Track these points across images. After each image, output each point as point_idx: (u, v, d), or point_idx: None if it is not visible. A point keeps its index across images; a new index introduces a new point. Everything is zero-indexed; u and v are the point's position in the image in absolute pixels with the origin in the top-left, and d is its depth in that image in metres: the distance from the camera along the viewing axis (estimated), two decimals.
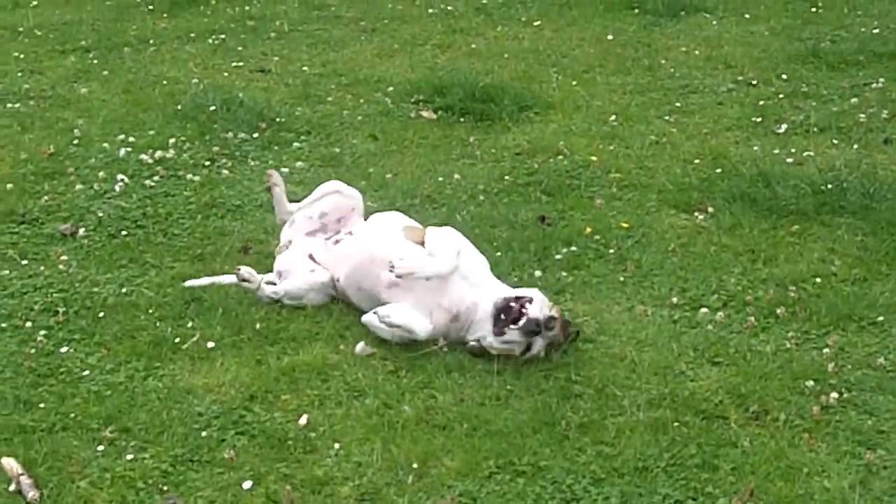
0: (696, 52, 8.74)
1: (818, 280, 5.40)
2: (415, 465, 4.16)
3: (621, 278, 5.49)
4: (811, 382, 4.62)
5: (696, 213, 6.09)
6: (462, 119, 7.44)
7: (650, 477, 4.10)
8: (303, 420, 4.41)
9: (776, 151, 6.84)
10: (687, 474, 4.12)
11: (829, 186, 6.19)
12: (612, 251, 5.72)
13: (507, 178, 6.56)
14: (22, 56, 8.70)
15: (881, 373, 4.71)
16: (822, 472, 4.13)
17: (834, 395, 4.53)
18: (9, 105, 7.65)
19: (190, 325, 5.03)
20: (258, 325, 5.03)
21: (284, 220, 5.54)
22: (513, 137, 7.16)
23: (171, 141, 6.94)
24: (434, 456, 4.22)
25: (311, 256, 5.32)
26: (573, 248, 5.73)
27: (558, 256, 5.65)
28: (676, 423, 4.38)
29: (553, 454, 4.23)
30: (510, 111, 7.50)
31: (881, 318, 5.08)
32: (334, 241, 5.35)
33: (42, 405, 4.50)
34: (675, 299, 5.28)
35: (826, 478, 4.10)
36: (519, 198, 6.32)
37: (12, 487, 4.02)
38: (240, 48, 8.99)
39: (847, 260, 5.58)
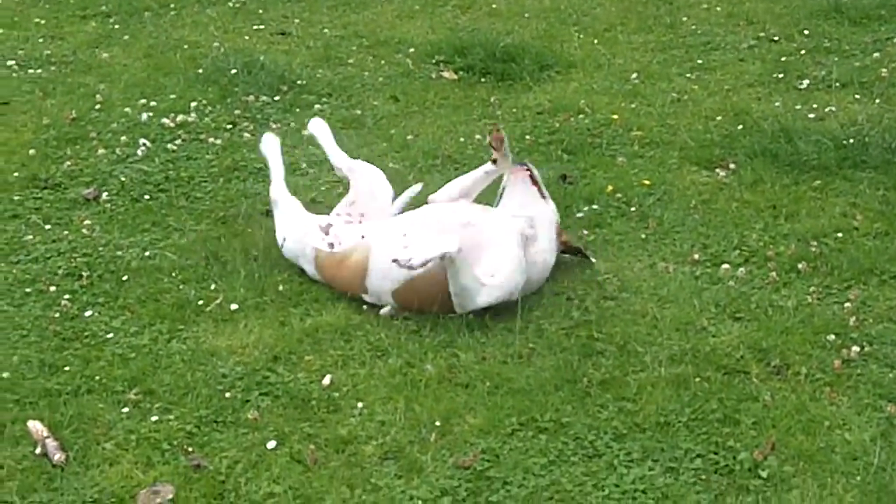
0: (718, 8, 8.69)
1: (840, 235, 5.39)
2: (437, 423, 4.19)
3: (643, 235, 5.49)
4: (832, 336, 4.62)
5: (717, 170, 6.08)
6: (483, 79, 7.42)
7: (672, 432, 4.12)
8: (326, 380, 4.44)
9: (798, 107, 6.81)
10: (708, 429, 4.13)
11: (851, 141, 6.16)
12: (633, 209, 5.72)
13: (528, 137, 6.55)
14: (43, 22, 8.70)
15: None
16: (844, 426, 4.14)
17: (855, 348, 4.53)
18: (30, 71, 7.67)
19: (213, 287, 5.06)
20: (281, 287, 5.06)
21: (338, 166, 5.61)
22: (534, 97, 7.15)
23: (193, 105, 6.96)
24: (457, 414, 4.25)
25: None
26: (595, 207, 5.73)
27: (580, 215, 5.66)
28: (698, 379, 4.39)
29: (575, 411, 4.25)
30: (531, 71, 7.48)
31: None
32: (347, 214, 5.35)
33: (67, 368, 4.54)
34: (696, 256, 5.28)
35: (847, 431, 4.11)
36: (541, 157, 6.32)
37: (38, 450, 4.06)
38: (260, 11, 8.97)
39: (869, 214, 5.57)
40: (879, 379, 4.39)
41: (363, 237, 5.03)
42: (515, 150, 6.34)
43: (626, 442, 4.08)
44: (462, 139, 6.51)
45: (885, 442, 4.04)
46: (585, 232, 5.50)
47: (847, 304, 4.85)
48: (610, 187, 5.89)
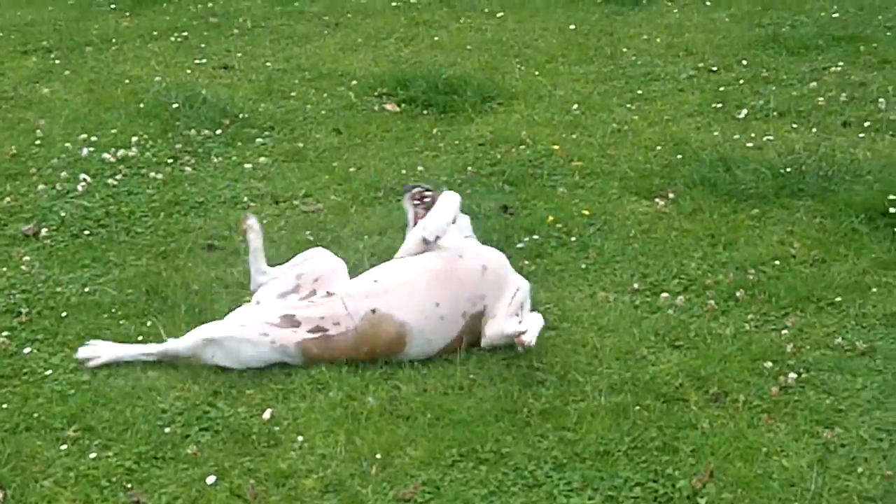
0: (658, 39, 8.79)
1: (777, 262, 5.45)
2: (378, 456, 4.19)
3: (583, 265, 5.52)
4: (770, 363, 4.66)
5: (657, 199, 6.13)
6: (425, 111, 7.46)
7: (611, 461, 4.14)
8: (266, 414, 4.43)
9: (736, 136, 6.89)
10: (648, 457, 4.16)
11: (789, 170, 6.24)
12: (574, 239, 5.76)
13: (470, 168, 6.58)
14: None
15: (839, 352, 4.76)
16: (781, 452, 4.17)
17: (792, 375, 4.58)
18: None
19: (152, 323, 5.04)
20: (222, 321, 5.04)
21: (259, 283, 5.11)
22: (476, 128, 7.19)
23: (134, 139, 6.94)
24: (398, 446, 4.25)
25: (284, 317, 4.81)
26: (536, 237, 5.76)
27: (521, 245, 5.69)
28: (637, 407, 4.42)
29: (515, 441, 4.26)
30: (473, 102, 7.53)
31: (839, 299, 5.13)
32: (309, 300, 4.90)
33: (5, 405, 4.50)
34: (636, 285, 5.31)
35: (784, 457, 4.14)
36: (482, 188, 6.35)
37: None
38: (202, 45, 8.99)
39: (806, 242, 5.63)
40: (816, 405, 4.43)
41: (374, 311, 4.80)
42: (457, 182, 6.39)
43: (566, 472, 4.10)
44: (404, 171, 6.54)
45: (822, 468, 4.08)
46: (527, 262, 5.52)
47: (784, 332, 4.90)
48: (551, 218, 5.93)
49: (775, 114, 7.22)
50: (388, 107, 7.59)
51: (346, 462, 4.18)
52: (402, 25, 9.44)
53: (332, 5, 10.06)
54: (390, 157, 6.78)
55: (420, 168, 6.57)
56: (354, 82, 8.02)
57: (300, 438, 4.31)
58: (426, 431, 4.33)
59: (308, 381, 4.65)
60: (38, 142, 6.99)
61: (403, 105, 7.57)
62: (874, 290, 5.19)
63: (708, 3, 9.65)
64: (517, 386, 4.58)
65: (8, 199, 6.22)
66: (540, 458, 4.17)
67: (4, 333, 4.97)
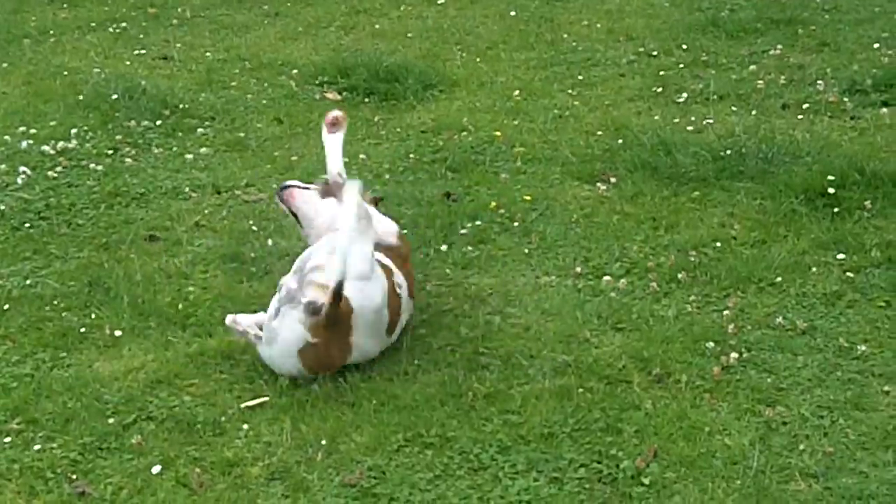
0: (598, 25, 8.84)
1: (718, 244, 5.50)
2: (324, 442, 4.19)
3: (526, 250, 5.55)
4: (712, 344, 4.71)
5: (598, 184, 6.16)
6: (367, 99, 7.46)
7: (556, 442, 4.17)
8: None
9: (677, 120, 6.94)
10: (591, 438, 4.18)
11: (729, 152, 6.29)
12: (516, 224, 5.78)
13: (412, 156, 6.59)
14: None
15: (780, 332, 4.81)
16: (724, 431, 4.21)
17: (734, 355, 4.62)
18: None
19: (95, 315, 5.01)
20: (165, 312, 5.03)
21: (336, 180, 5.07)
22: (418, 116, 7.20)
23: (74, 131, 6.89)
24: (343, 432, 4.25)
25: None
26: (478, 223, 5.78)
27: (464, 231, 5.70)
28: (581, 390, 4.45)
29: (460, 425, 4.27)
30: (415, 90, 7.53)
31: (779, 279, 5.18)
32: None
33: None
34: (578, 269, 5.34)
35: (727, 436, 4.18)
36: (425, 175, 6.37)
37: None
38: (141, 36, 8.93)
39: (746, 224, 5.69)
40: (758, 384, 4.48)
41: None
42: (400, 169, 6.40)
43: (511, 454, 4.12)
44: (346, 159, 6.41)
45: (764, 445, 4.13)
46: (470, 248, 5.54)
47: (726, 312, 4.95)
48: (493, 203, 5.95)
49: (715, 97, 7.28)
50: (329, 95, 7.58)
51: (291, 449, 4.18)
52: (342, 14, 9.43)
53: None
54: None
55: (362, 156, 6.57)
56: (295, 71, 8.00)
57: (245, 426, 4.30)
58: (371, 417, 4.33)
59: (253, 370, 4.63)
60: None
61: (345, 93, 7.57)
62: (814, 269, 5.25)
63: None
64: (461, 371, 4.59)
65: None
66: (485, 442, 4.19)
67: None
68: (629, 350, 4.70)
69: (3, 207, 5.99)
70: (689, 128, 6.79)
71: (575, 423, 4.26)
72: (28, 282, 5.30)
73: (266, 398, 4.46)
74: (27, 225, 5.84)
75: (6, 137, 6.85)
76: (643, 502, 3.88)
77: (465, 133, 6.89)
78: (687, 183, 6.09)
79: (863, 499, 3.86)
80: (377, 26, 9.04)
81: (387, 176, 6.34)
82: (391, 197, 6.02)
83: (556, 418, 4.29)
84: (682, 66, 7.87)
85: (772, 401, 4.38)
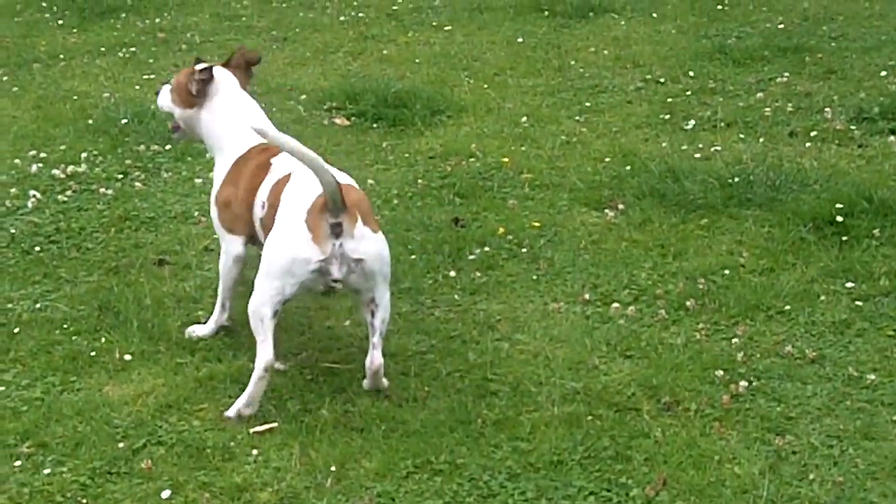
0: (605, 52, 8.86)
1: (727, 272, 5.50)
2: (333, 468, 4.19)
3: (534, 276, 5.56)
4: (721, 372, 4.71)
5: (606, 211, 6.17)
6: (375, 125, 7.48)
7: (565, 470, 4.17)
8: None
9: (684, 147, 6.95)
10: (601, 466, 4.19)
11: (737, 180, 6.30)
12: (525, 250, 5.79)
13: (420, 181, 6.61)
14: None
15: (789, 360, 4.82)
16: (733, 460, 4.21)
17: (743, 383, 4.63)
18: None
19: (105, 339, 5.02)
20: (175, 337, 5.04)
21: None
22: (426, 141, 7.22)
23: (84, 155, 6.92)
24: (353, 458, 4.26)
25: None
26: (486, 249, 5.79)
27: (472, 257, 5.72)
28: (590, 417, 4.45)
29: (469, 452, 4.28)
30: (422, 116, 7.55)
31: (788, 307, 5.19)
32: None
33: None
34: (587, 295, 5.35)
35: (737, 464, 4.18)
36: (433, 201, 6.38)
37: None
38: (151, 61, 8.97)
39: (755, 251, 5.69)
40: (767, 413, 4.48)
41: None
42: (408, 195, 6.41)
43: (521, 481, 4.12)
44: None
45: (774, 475, 4.13)
46: (478, 274, 5.55)
47: (735, 340, 4.95)
48: (501, 229, 5.96)
49: (723, 124, 7.30)
50: (338, 120, 7.60)
51: (300, 475, 4.18)
52: (350, 40, 9.46)
53: (280, 20, 10.06)
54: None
55: (370, 181, 6.59)
56: (304, 96, 8.03)
57: (255, 452, 4.30)
58: (381, 443, 4.34)
59: (262, 394, 4.64)
60: None
61: (353, 118, 7.60)
62: (822, 298, 5.26)
63: (654, 16, 9.74)
64: (470, 397, 4.60)
65: None
66: (494, 469, 4.19)
67: None
68: (638, 377, 4.70)
69: (13, 231, 6.01)
70: (697, 155, 6.81)
71: (584, 450, 4.27)
72: (38, 305, 5.32)
73: (275, 424, 4.46)
74: (37, 248, 5.86)
75: (16, 161, 6.87)
76: None
77: (472, 159, 6.90)
78: (695, 210, 6.10)
79: None
80: (385, 52, 9.07)
81: (395, 201, 6.35)
82: (400, 222, 6.05)
83: (565, 446, 4.29)
84: (689, 93, 7.90)
85: (781, 430, 4.38)
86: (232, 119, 5.03)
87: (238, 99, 5.09)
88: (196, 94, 5.04)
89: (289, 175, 4.70)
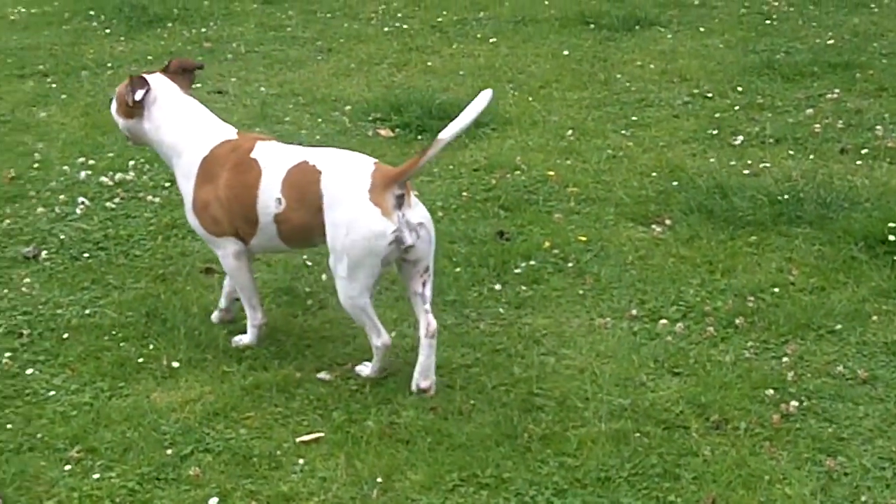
0: (652, 65, 8.83)
1: (776, 290, 5.46)
2: (379, 480, 4.18)
3: (580, 291, 5.53)
4: (771, 391, 4.67)
5: (653, 226, 6.15)
6: (419, 136, 7.47)
7: (612, 487, 4.15)
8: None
9: (732, 163, 6.92)
10: (649, 484, 4.16)
11: (786, 197, 6.26)
12: (570, 265, 5.77)
13: (465, 193, 6.60)
14: None
15: (840, 380, 4.77)
16: (783, 480, 4.18)
17: (794, 403, 4.59)
18: None
19: (152, 346, 5.04)
20: (221, 344, 5.05)
21: None
22: (470, 154, 7.21)
23: (131, 163, 6.95)
24: (398, 470, 4.25)
25: None
26: (532, 263, 5.77)
27: (517, 271, 5.70)
28: (638, 434, 4.43)
29: (515, 466, 4.26)
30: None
31: (839, 327, 5.14)
32: None
33: (9, 426, 4.51)
34: (634, 311, 5.33)
35: (787, 485, 4.15)
36: (477, 213, 6.37)
37: None
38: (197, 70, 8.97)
39: (805, 269, 5.65)
40: (818, 433, 4.44)
41: None
42: (452, 207, 6.40)
43: (567, 497, 4.10)
44: None
45: (825, 496, 4.09)
46: (524, 287, 5.53)
47: (785, 359, 4.91)
48: (547, 243, 5.95)
49: (771, 140, 7.26)
50: (382, 132, 7.60)
51: (346, 485, 4.18)
52: (394, 51, 9.47)
53: (325, 31, 10.09)
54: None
55: (414, 193, 6.56)
56: (348, 107, 8.04)
57: (301, 461, 4.30)
58: (426, 456, 4.33)
59: (308, 404, 4.65)
60: (36, 165, 7.00)
61: (397, 130, 7.59)
62: (874, 318, 5.21)
63: (701, 30, 9.71)
64: (516, 411, 4.58)
65: (7, 221, 6.23)
66: (541, 484, 4.17)
67: (7, 354, 4.98)
68: (686, 395, 4.67)
69: (62, 237, 6.05)
70: (746, 171, 6.77)
71: (632, 467, 4.24)
72: (87, 311, 5.35)
73: (321, 434, 4.46)
74: (86, 255, 5.89)
75: (65, 168, 6.92)
76: None
77: (517, 172, 6.89)
78: (744, 227, 6.07)
79: None
80: (429, 63, 9.07)
81: (440, 213, 6.34)
82: (444, 235, 6.03)
83: (612, 462, 4.27)
84: (737, 108, 7.85)
85: (833, 450, 4.33)
86: (178, 123, 5.03)
87: (180, 103, 5.08)
88: (133, 104, 5.05)
89: (298, 166, 4.78)
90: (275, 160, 4.83)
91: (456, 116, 4.84)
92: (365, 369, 4.84)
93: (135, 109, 5.07)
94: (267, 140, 5.03)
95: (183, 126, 5.02)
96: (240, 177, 4.84)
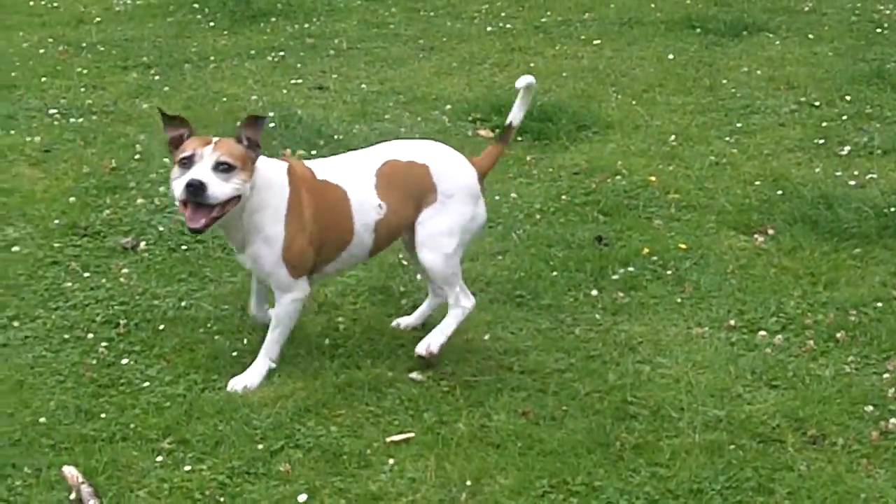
0: (758, 72, 8.71)
1: (879, 304, 5.35)
2: (468, 483, 4.15)
3: (678, 300, 5.46)
4: (870, 408, 4.57)
5: (755, 235, 6.05)
6: (520, 138, 7.42)
7: (705, 499, 4.08)
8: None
9: (838, 173, 6.79)
10: (742, 497, 4.09)
11: (893, 210, 6.13)
12: (669, 272, 5.69)
13: (563, 197, 6.55)
14: (85, 72, 8.79)
15: None
16: (881, 498, 4.08)
17: (893, 420, 4.48)
18: (72, 120, 7.74)
19: (247, 340, 5.06)
20: (314, 341, 5.05)
21: None
22: (570, 157, 7.15)
23: None
24: (488, 474, 4.22)
25: None
26: (630, 269, 5.71)
27: (615, 277, 5.64)
28: (732, 446, 4.35)
29: (607, 474, 4.21)
30: (568, 130, 7.49)
31: None
32: None
33: (103, 415, 4.55)
34: (732, 321, 5.24)
35: (884, 503, 4.05)
36: (576, 217, 6.32)
37: (73, 496, 4.06)
38: (299, 65, 9.04)
39: None
40: None
41: None
42: (551, 210, 6.36)
43: None
44: (497, 197, 6.50)
45: None
46: (621, 294, 5.47)
47: (886, 376, 4.80)
48: (646, 250, 5.88)
49: (879, 151, 7.11)
50: (482, 132, 7.58)
51: (435, 487, 4.16)
52: (497, 51, 9.43)
53: (427, 29, 10.08)
54: (484, 184, 6.74)
55: (513, 195, 6.55)
56: (448, 107, 8.02)
57: (390, 461, 4.29)
58: (517, 460, 4.29)
59: (399, 404, 4.63)
60: (137, 156, 7.07)
61: (497, 131, 7.55)
62: None
63: (810, 37, 9.55)
64: (609, 419, 4.53)
65: (107, 211, 6.29)
66: (632, 493, 4.12)
67: (103, 344, 5.02)
68: (783, 408, 4.58)
69: (161, 229, 6.10)
70: (852, 182, 6.64)
71: (725, 480, 4.17)
72: (183, 303, 5.38)
73: (412, 434, 4.44)
74: (183, 247, 5.93)
75: (166, 160, 6.96)
76: None
77: (618, 176, 6.82)
78: (848, 239, 5.95)
79: None
80: (532, 64, 9.02)
81: (538, 216, 6.30)
82: (541, 238, 6.00)
83: (706, 474, 4.20)
84: (845, 117, 7.71)
85: None
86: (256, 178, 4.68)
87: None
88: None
89: (385, 164, 4.88)
90: (349, 172, 4.86)
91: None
92: (438, 338, 4.87)
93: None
94: (310, 160, 5.05)
95: (258, 177, 4.66)
96: (324, 201, 4.75)
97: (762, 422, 4.51)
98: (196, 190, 4.46)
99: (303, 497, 4.09)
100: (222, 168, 4.50)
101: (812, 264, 5.73)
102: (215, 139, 4.58)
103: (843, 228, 6.02)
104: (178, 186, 4.52)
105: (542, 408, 4.61)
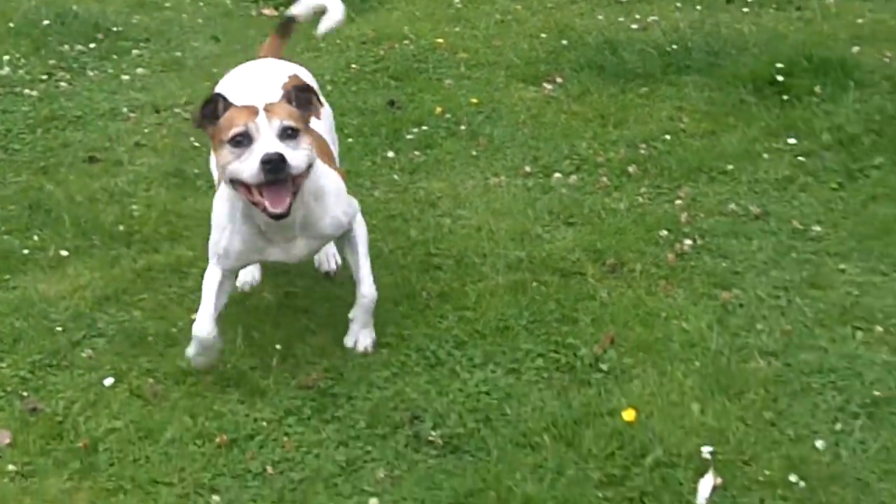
0: None
1: (668, 137, 5.45)
2: (278, 347, 4.12)
3: (474, 153, 5.48)
4: (665, 232, 4.67)
5: (544, 85, 6.10)
6: None
7: (511, 335, 4.12)
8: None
9: (621, 19, 6.87)
10: (548, 329, 4.15)
11: (675, 48, 6.24)
12: (463, 128, 5.70)
13: (353, 66, 6.49)
14: None
15: (733, 218, 4.79)
16: (680, 316, 4.18)
17: (688, 242, 4.59)
18: None
19: (37, 237, 4.90)
20: (109, 230, 4.92)
21: None
22: (357, 27, 7.08)
23: (6, 59, 6.74)
24: (298, 337, 4.19)
25: None
26: (424, 128, 5.71)
27: (409, 137, 5.63)
28: (535, 283, 4.41)
29: (415, 323, 4.23)
30: (352, 2, 7.36)
31: (730, 167, 5.15)
32: None
33: None
34: (528, 168, 5.29)
35: (684, 320, 4.16)
36: (367, 85, 6.27)
37: None
38: None
39: (695, 116, 5.65)
40: (713, 269, 4.45)
41: None
42: (342, 80, 6.30)
43: (468, 349, 4.07)
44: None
45: (721, 327, 4.10)
46: (417, 153, 5.46)
47: (678, 202, 4.91)
48: (438, 109, 5.87)
49: None
50: (266, 11, 7.46)
51: (245, 356, 4.11)
52: None
53: None
54: None
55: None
56: None
57: None
58: (325, 322, 4.27)
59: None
60: None
61: (281, 9, 7.41)
62: (765, 156, 5.22)
63: None
64: (414, 272, 4.54)
65: None
66: (441, 338, 4.14)
67: None
68: (582, 243, 4.65)
69: None
70: (634, 26, 6.73)
71: (530, 315, 4.22)
72: None
73: None
74: None
75: None
76: (602, 387, 3.84)
77: (406, 42, 6.79)
78: (634, 80, 6.04)
79: (823, 372, 3.84)
80: None
81: (329, 87, 6.23)
82: (335, 107, 5.88)
83: (511, 312, 4.24)
84: None
85: (728, 284, 4.35)
86: None
87: None
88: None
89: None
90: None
91: None
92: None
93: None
94: None
95: None
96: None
97: (562, 257, 4.57)
98: (277, 165, 3.60)
99: (109, 381, 3.99)
100: (289, 134, 3.70)
101: (601, 107, 5.80)
102: (261, 105, 3.76)
103: (628, 70, 6.10)
104: (247, 169, 3.63)
105: (346, 269, 4.57)
